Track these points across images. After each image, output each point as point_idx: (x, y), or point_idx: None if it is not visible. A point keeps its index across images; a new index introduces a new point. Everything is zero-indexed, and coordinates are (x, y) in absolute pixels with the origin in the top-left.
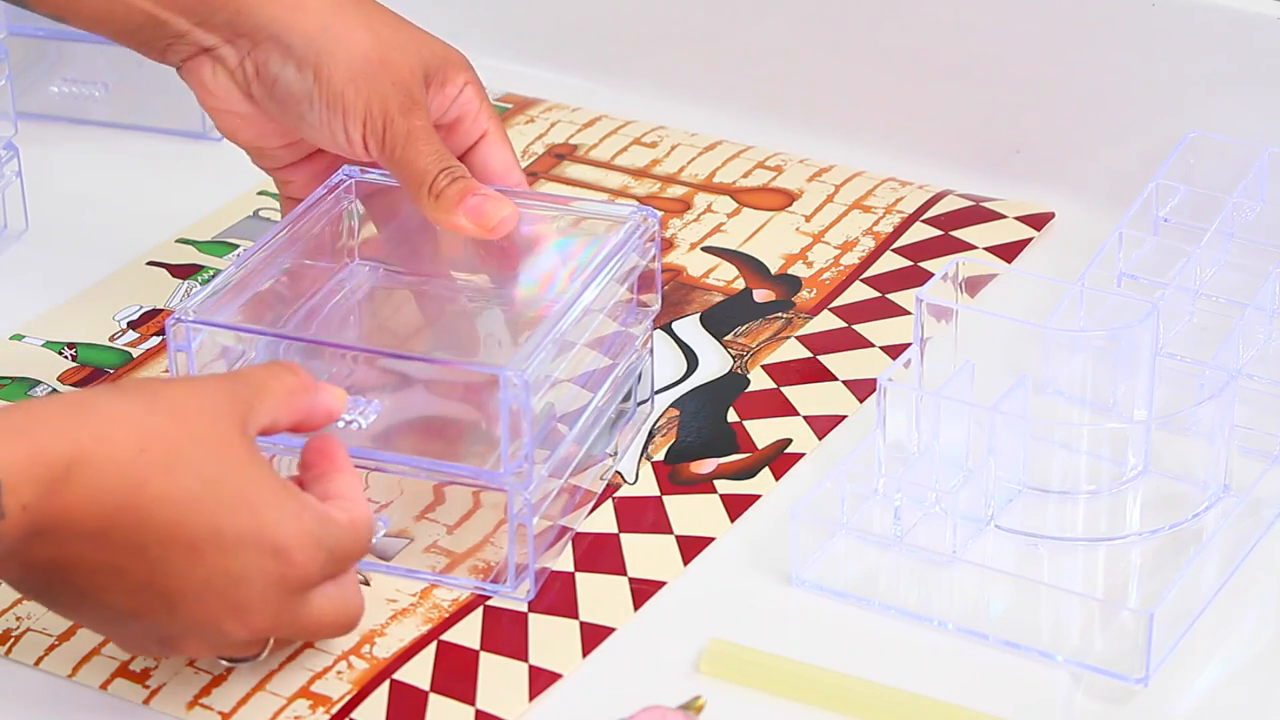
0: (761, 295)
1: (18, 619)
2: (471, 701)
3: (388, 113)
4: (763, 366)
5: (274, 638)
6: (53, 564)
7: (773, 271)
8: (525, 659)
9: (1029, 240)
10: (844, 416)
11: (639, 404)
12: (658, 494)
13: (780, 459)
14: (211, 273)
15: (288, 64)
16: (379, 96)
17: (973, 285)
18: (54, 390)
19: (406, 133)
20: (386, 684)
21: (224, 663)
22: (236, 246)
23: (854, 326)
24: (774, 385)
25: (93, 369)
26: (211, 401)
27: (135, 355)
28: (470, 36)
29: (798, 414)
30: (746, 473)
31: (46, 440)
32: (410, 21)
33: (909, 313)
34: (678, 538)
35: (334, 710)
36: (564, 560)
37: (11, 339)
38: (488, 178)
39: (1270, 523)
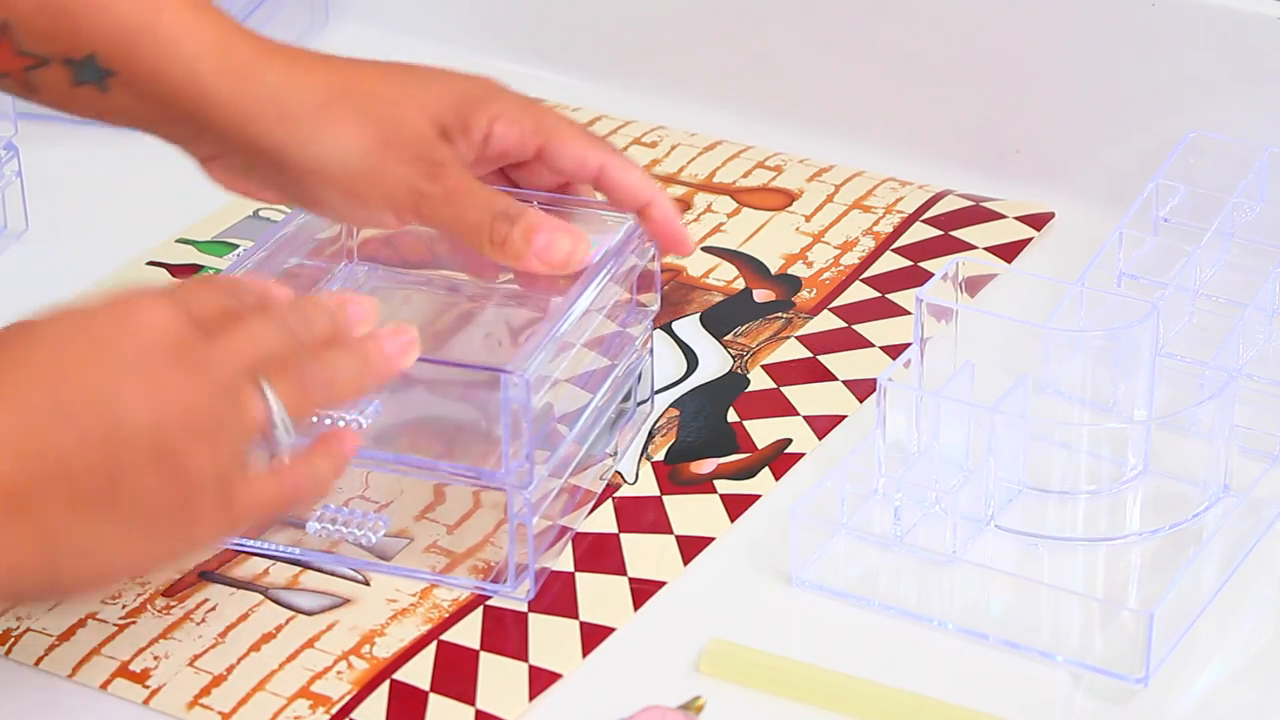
0: (761, 295)
1: (18, 619)
2: (471, 701)
3: (413, 188)
4: (763, 366)
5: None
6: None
7: (773, 271)
8: (525, 659)
9: (1029, 240)
10: (844, 416)
11: (639, 404)
12: (658, 494)
13: (780, 459)
14: (211, 273)
15: (289, 178)
16: (398, 180)
17: (973, 285)
18: None
19: (442, 197)
20: (386, 684)
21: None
22: (236, 246)
23: (854, 326)
24: (774, 385)
25: None
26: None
27: None
28: (470, 37)
29: (798, 414)
30: (746, 473)
31: None
32: (415, 75)
33: (909, 313)
34: (678, 538)
35: (334, 710)
36: (564, 560)
37: None
38: (570, 172)
39: (1270, 523)
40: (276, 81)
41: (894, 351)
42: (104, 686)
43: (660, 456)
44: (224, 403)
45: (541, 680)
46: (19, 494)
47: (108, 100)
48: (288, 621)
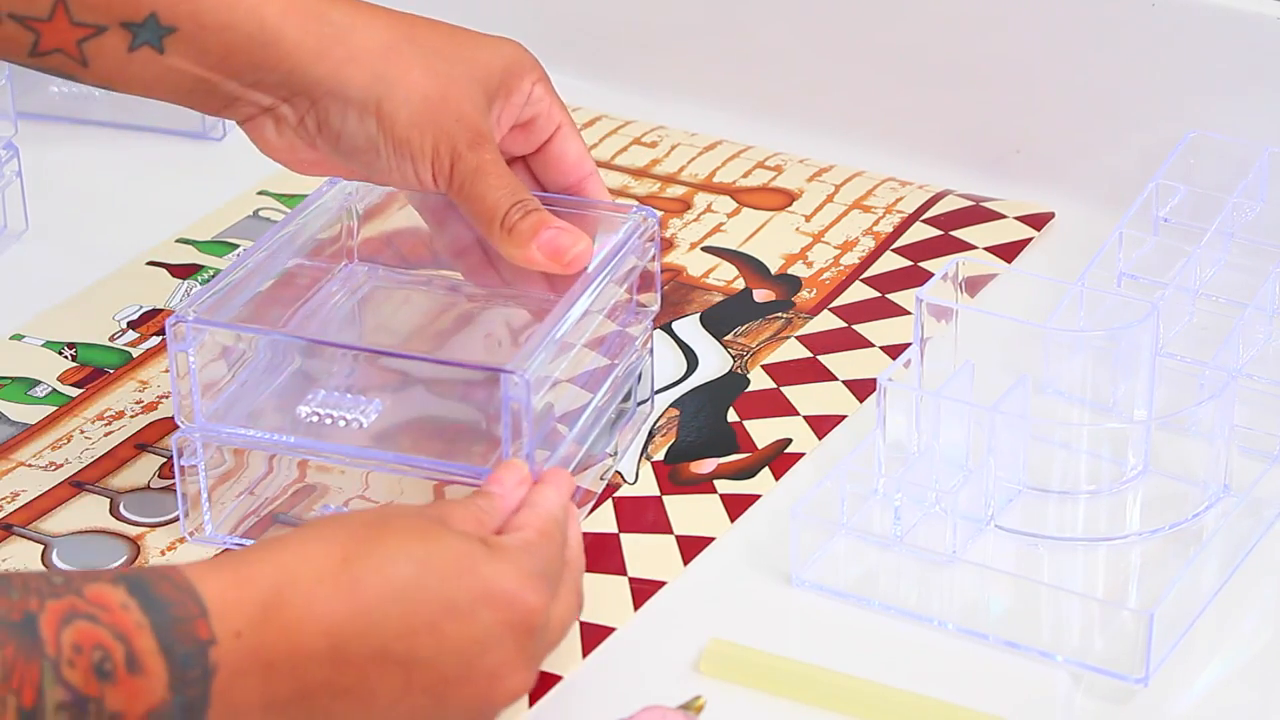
0: (761, 295)
1: None
2: None
3: (455, 149)
4: (763, 366)
5: None
6: (298, 699)
7: (773, 271)
8: None
9: (1029, 240)
10: (844, 416)
11: (639, 404)
12: (658, 494)
13: (780, 459)
14: (211, 273)
15: (348, 117)
16: (444, 135)
17: (973, 285)
18: (54, 390)
19: (475, 167)
20: None
21: None
22: (236, 246)
23: (854, 326)
24: (774, 385)
25: (93, 369)
26: (401, 508)
27: (135, 355)
28: None
29: (798, 414)
30: (746, 473)
31: (248, 568)
32: (465, 37)
33: (909, 313)
34: (678, 538)
35: None
36: None
37: (11, 339)
38: (563, 170)
39: (1270, 523)
40: (344, 21)
41: (894, 351)
42: None
43: (660, 456)
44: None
45: (542, 681)
46: (277, 649)
47: (161, 64)
48: None
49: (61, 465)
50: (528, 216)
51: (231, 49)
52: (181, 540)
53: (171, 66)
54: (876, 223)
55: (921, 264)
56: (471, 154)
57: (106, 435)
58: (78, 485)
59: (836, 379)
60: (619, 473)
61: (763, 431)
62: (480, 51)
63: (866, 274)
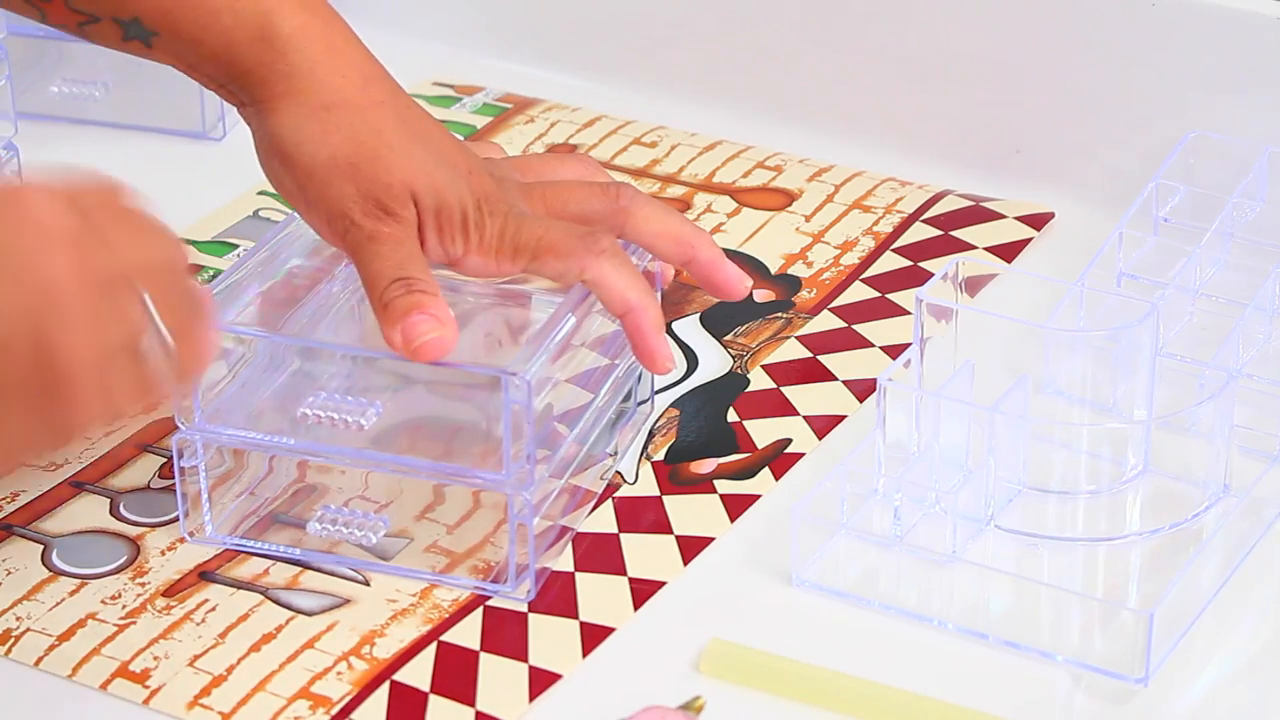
0: (761, 295)
1: (18, 619)
2: (471, 703)
3: (347, 214)
4: (763, 366)
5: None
6: None
7: (773, 271)
8: (525, 659)
9: (1029, 240)
10: (844, 416)
11: (639, 404)
12: (658, 494)
13: (780, 459)
14: (212, 273)
15: (269, 147)
16: (340, 198)
17: (973, 285)
18: None
19: (368, 235)
20: (386, 685)
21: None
22: (236, 246)
23: (854, 326)
24: (774, 385)
25: None
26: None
27: None
28: (470, 37)
29: (798, 414)
30: (746, 473)
31: None
32: (426, 150)
33: (909, 313)
34: (678, 538)
35: (334, 711)
36: (564, 560)
37: None
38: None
39: (1270, 523)
40: (301, 64)
41: (894, 351)
42: (104, 687)
43: (660, 456)
44: (103, 298)
45: (541, 680)
46: None
47: (153, 54)
48: (288, 622)
49: (61, 465)
50: (407, 296)
51: (204, 61)
52: (182, 540)
53: (162, 57)
54: (876, 223)
55: (921, 264)
56: (367, 221)
57: (106, 435)
58: (78, 485)
59: (836, 379)
60: (619, 473)
61: (763, 431)
62: (435, 171)
63: (866, 274)
